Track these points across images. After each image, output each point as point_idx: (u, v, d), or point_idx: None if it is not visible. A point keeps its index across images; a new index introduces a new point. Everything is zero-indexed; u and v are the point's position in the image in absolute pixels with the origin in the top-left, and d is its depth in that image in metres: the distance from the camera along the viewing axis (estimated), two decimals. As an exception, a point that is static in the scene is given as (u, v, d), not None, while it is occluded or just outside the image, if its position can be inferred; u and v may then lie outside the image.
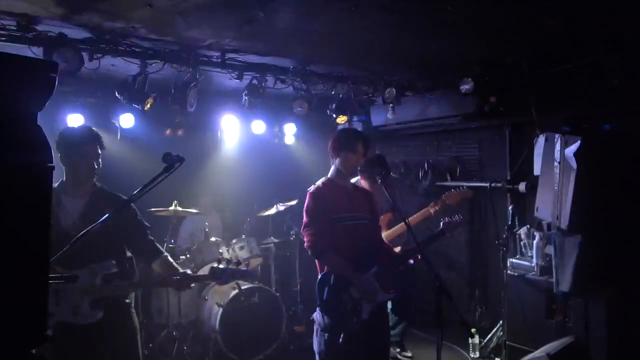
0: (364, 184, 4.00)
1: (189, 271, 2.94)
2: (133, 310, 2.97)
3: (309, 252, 3.03)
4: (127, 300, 2.94)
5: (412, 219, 4.29)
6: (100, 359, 2.76)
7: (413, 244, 3.04)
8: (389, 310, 4.84)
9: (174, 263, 2.96)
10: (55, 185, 2.79)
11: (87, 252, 2.56)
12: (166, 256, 2.97)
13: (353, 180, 4.27)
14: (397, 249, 3.92)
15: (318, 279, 3.00)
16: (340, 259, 2.97)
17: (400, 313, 4.90)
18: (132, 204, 2.72)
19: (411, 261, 4.20)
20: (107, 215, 2.39)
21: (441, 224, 3.16)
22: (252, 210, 5.91)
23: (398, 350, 5.00)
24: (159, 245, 3.03)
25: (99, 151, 2.80)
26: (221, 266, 2.85)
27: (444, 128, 5.79)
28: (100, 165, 2.83)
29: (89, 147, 2.76)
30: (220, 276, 2.84)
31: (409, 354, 5.00)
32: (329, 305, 2.93)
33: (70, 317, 2.62)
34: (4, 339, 1.22)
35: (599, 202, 3.24)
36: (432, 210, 4.30)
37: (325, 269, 3.02)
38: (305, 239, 3.05)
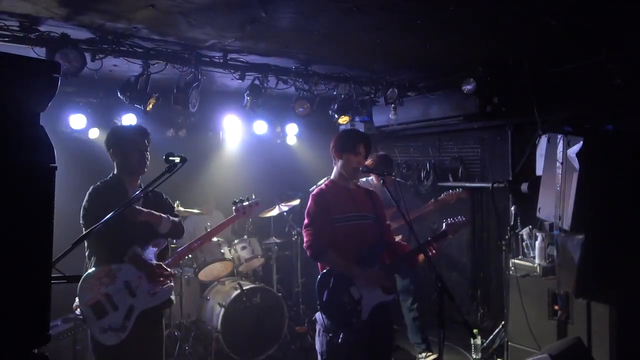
0: (375, 182, 4.48)
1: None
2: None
3: (308, 253, 3.03)
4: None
5: (412, 212, 4.74)
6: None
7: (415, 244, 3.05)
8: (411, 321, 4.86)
9: None
10: (107, 178, 3.06)
11: (139, 234, 2.94)
12: None
13: (363, 179, 4.43)
14: (398, 238, 4.23)
15: (318, 279, 2.99)
16: (339, 257, 2.97)
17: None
18: (164, 195, 3.26)
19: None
20: (112, 213, 2.40)
21: (444, 224, 3.15)
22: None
23: (424, 354, 4.80)
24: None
25: (148, 145, 3.12)
26: (245, 204, 3.74)
27: (446, 128, 5.78)
28: (149, 159, 3.11)
29: (141, 140, 3.08)
30: (244, 209, 3.73)
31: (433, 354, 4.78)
32: (329, 305, 2.92)
33: (150, 300, 2.94)
34: (6, 338, 1.22)
35: (601, 203, 3.23)
36: (432, 207, 4.96)
37: (324, 269, 3.02)
38: (304, 239, 3.05)
